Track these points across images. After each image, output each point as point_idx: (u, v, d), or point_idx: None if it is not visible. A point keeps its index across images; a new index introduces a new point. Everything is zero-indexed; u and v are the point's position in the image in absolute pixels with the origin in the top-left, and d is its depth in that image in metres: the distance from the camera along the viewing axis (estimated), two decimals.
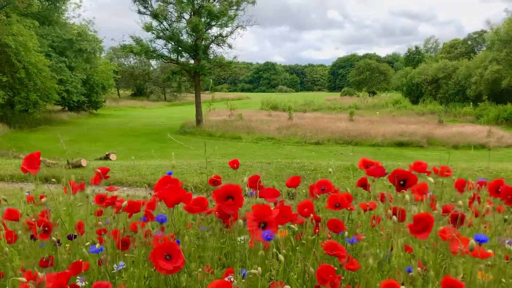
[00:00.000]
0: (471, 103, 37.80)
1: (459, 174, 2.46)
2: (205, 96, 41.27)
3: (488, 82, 37.55)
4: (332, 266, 1.61)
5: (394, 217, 1.74)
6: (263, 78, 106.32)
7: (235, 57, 27.09)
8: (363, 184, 2.29)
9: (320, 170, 9.62)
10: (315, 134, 22.49)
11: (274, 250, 1.69)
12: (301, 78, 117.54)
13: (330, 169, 2.68)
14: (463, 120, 32.50)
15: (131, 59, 60.27)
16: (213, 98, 40.04)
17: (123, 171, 10.14)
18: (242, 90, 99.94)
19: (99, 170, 2.30)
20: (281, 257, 1.58)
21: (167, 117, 35.76)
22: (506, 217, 2.00)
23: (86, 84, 33.14)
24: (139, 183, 8.78)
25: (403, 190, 1.87)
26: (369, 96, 53.80)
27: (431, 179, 1.91)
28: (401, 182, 1.90)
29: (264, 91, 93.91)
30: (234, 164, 2.58)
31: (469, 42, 58.39)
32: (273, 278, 1.85)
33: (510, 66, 36.35)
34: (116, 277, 1.89)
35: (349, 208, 2.17)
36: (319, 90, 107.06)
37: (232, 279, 1.56)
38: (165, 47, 26.69)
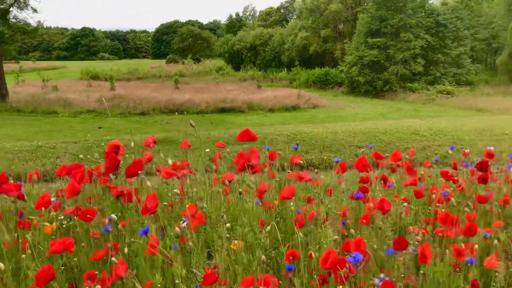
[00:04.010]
0: (285, 68, 41.18)
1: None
2: (11, 66, 36.26)
3: (299, 48, 41.32)
4: None
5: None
6: (81, 45, 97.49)
7: (40, 22, 24.32)
8: None
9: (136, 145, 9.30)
10: (139, 104, 21.87)
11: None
12: (123, 45, 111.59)
13: (132, 143, 2.54)
14: (279, 85, 35.25)
15: None
16: (21, 68, 35.63)
17: None
18: (58, 58, 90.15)
19: None
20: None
21: None
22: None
23: None
24: None
25: None
26: (194, 63, 54.21)
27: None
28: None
29: (83, 59, 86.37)
30: None
31: (282, 11, 62.91)
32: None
33: (316, 33, 40.57)
34: None
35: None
36: (143, 57, 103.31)
37: None
38: None
